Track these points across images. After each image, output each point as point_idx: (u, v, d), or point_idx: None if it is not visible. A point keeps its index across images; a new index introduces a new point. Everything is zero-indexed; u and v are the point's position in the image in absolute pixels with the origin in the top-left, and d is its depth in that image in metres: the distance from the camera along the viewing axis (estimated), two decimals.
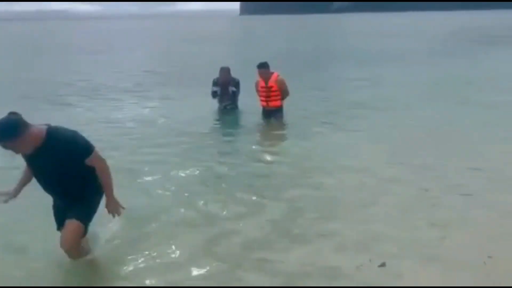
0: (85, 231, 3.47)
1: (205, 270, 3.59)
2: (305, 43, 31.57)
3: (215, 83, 8.64)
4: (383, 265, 3.56)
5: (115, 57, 23.99)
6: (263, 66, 7.86)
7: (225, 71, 8.57)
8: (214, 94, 8.69)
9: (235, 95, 8.67)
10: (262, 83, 7.94)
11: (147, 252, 3.82)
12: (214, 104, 8.90)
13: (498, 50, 22.22)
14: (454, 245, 3.86)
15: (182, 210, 4.67)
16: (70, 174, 3.32)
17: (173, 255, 3.82)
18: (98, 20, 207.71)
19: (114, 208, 3.52)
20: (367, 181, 5.31)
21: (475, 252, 3.71)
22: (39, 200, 3.86)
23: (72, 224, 3.37)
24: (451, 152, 6.32)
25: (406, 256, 3.70)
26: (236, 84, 8.60)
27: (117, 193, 3.57)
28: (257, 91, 8.14)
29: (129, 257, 3.75)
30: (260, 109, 8.24)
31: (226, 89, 8.58)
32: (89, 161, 3.30)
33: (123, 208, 3.57)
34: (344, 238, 4.03)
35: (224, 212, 4.59)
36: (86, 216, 3.45)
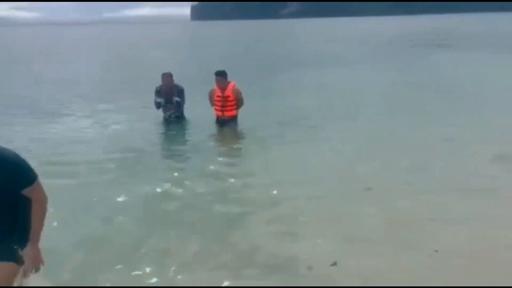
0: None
1: None
2: (256, 49, 31.91)
3: (157, 92, 8.32)
4: (334, 264, 3.73)
5: (54, 67, 22.54)
6: (221, 74, 7.69)
7: (167, 76, 8.26)
8: (158, 105, 8.35)
9: (179, 104, 8.37)
10: (219, 92, 7.76)
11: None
12: (159, 114, 8.57)
13: (441, 53, 23.47)
14: (401, 241, 4.12)
15: (124, 240, 4.27)
16: (8, 202, 2.77)
17: None
18: (39, 27, 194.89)
19: (35, 259, 2.82)
20: (316, 189, 5.43)
21: (422, 246, 3.99)
22: None
23: (3, 267, 2.77)
24: (398, 154, 6.67)
25: (356, 254, 3.91)
26: (180, 92, 8.29)
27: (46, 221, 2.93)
28: (211, 99, 7.93)
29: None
30: (210, 117, 8.05)
31: (169, 98, 8.27)
32: (29, 190, 2.74)
33: (43, 264, 2.87)
34: (294, 241, 4.19)
35: (174, 239, 4.30)
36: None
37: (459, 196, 5.10)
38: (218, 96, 7.82)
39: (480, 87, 12.50)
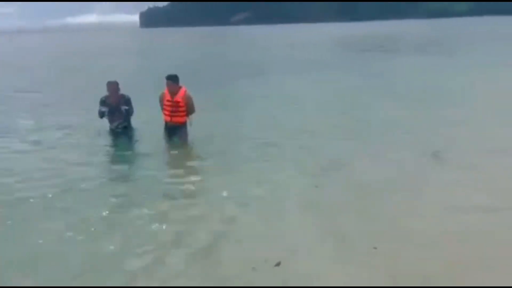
0: None
1: None
2: (209, 56, 31.85)
3: (103, 102, 7.91)
4: (278, 264, 3.86)
5: None
6: (172, 79, 7.44)
7: (112, 85, 7.87)
8: (102, 114, 7.91)
9: (128, 113, 8.03)
10: (168, 97, 7.56)
11: None
12: (105, 124, 8.17)
13: (393, 58, 24.43)
14: (342, 239, 4.33)
15: (60, 271, 4.04)
16: None
17: None
18: None
19: None
20: (261, 193, 5.58)
21: (362, 243, 4.22)
22: None
23: None
24: (348, 157, 7.01)
25: (300, 254, 4.07)
26: (127, 101, 7.96)
27: None
28: (161, 103, 7.74)
29: None
30: (159, 126, 7.86)
31: (117, 108, 7.94)
32: None
33: None
34: (239, 244, 4.31)
35: (119, 262, 4.14)
36: None
37: (397, 194, 5.42)
38: (168, 101, 7.63)
39: (428, 90, 13.11)
